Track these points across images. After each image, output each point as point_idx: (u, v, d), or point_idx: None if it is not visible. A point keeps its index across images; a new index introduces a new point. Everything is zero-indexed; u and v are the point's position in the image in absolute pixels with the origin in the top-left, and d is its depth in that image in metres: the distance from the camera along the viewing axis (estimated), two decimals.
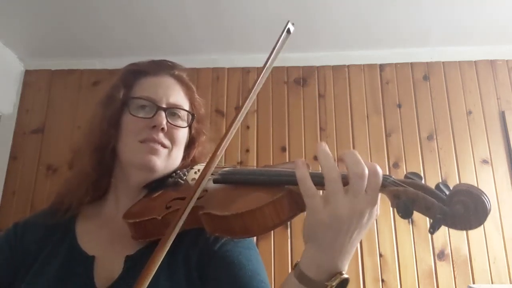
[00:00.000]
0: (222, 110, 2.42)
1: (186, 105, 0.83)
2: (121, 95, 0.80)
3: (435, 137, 2.29)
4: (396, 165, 2.24)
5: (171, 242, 0.55)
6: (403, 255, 2.08)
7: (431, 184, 0.49)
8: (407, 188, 0.47)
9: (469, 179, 2.20)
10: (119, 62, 2.46)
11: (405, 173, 0.52)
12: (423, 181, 0.49)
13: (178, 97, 0.81)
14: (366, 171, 0.49)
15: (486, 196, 0.43)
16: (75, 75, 2.57)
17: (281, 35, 0.68)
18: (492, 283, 2.02)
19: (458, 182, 2.19)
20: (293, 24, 0.69)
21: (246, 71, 2.51)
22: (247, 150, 2.33)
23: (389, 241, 2.10)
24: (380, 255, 2.09)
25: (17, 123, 2.49)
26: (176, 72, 0.84)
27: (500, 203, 2.14)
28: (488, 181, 2.19)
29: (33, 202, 2.32)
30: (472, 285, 2.00)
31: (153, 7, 2.09)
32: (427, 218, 0.47)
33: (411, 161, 2.25)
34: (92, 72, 2.56)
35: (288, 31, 0.67)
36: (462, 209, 0.43)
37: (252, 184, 0.61)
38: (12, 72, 2.54)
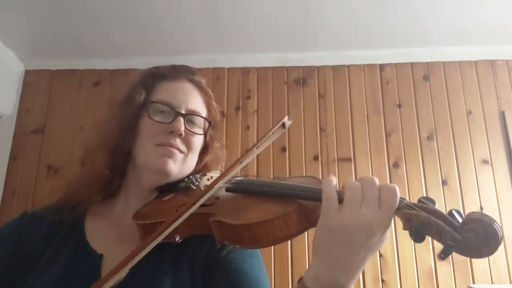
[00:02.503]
0: (222, 110, 2.42)
1: (203, 111, 0.84)
2: (141, 97, 0.80)
3: (435, 137, 2.30)
4: (396, 165, 2.24)
5: (162, 237, 0.56)
6: (403, 255, 2.08)
7: (443, 208, 0.49)
8: (420, 212, 0.48)
9: (469, 179, 2.20)
10: (119, 62, 2.51)
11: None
12: (436, 207, 0.49)
13: (197, 103, 0.82)
14: (377, 180, 0.51)
15: (498, 225, 0.44)
16: (75, 75, 2.57)
17: (276, 127, 0.70)
18: (492, 283, 2.02)
19: (458, 182, 2.20)
20: (289, 119, 0.72)
21: (246, 71, 2.51)
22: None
23: (389, 241, 2.10)
24: (380, 255, 2.09)
25: (17, 123, 2.48)
26: (196, 78, 0.85)
27: (500, 203, 2.14)
28: (488, 181, 2.19)
29: (34, 202, 2.31)
30: (472, 285, 2.00)
31: (153, 7, 2.09)
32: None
33: (411, 161, 2.25)
34: (92, 72, 2.56)
35: (283, 125, 0.69)
36: (473, 237, 0.44)
37: (264, 195, 0.61)
38: (12, 72, 2.54)
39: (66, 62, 2.57)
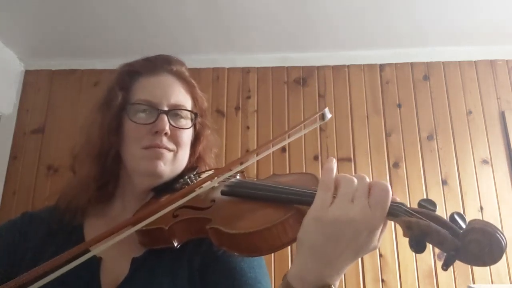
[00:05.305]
0: (222, 110, 2.42)
1: (188, 102, 0.79)
2: (118, 99, 0.76)
3: (435, 137, 2.30)
4: (396, 165, 2.24)
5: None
6: (403, 255, 2.08)
7: (442, 210, 0.48)
8: (420, 220, 0.46)
9: (469, 179, 2.20)
10: (119, 62, 2.46)
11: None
12: (437, 210, 0.48)
13: (179, 96, 0.77)
14: (367, 179, 0.50)
15: (502, 234, 0.42)
16: (75, 75, 2.57)
17: (315, 115, 0.68)
18: (492, 283, 2.02)
19: (458, 182, 2.20)
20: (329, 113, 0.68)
21: (246, 71, 2.51)
22: (247, 150, 2.33)
23: (389, 241, 2.10)
24: (380, 255, 2.09)
25: (17, 123, 2.48)
26: (175, 68, 0.80)
27: (500, 203, 2.14)
28: (488, 181, 2.19)
29: (34, 202, 2.31)
30: (472, 285, 2.00)
31: (154, 7, 2.09)
32: None
33: (411, 161, 2.25)
34: (92, 72, 2.56)
35: (323, 117, 0.66)
36: (476, 247, 0.42)
37: (261, 200, 0.60)
38: (12, 72, 2.53)
39: (66, 62, 2.57)
